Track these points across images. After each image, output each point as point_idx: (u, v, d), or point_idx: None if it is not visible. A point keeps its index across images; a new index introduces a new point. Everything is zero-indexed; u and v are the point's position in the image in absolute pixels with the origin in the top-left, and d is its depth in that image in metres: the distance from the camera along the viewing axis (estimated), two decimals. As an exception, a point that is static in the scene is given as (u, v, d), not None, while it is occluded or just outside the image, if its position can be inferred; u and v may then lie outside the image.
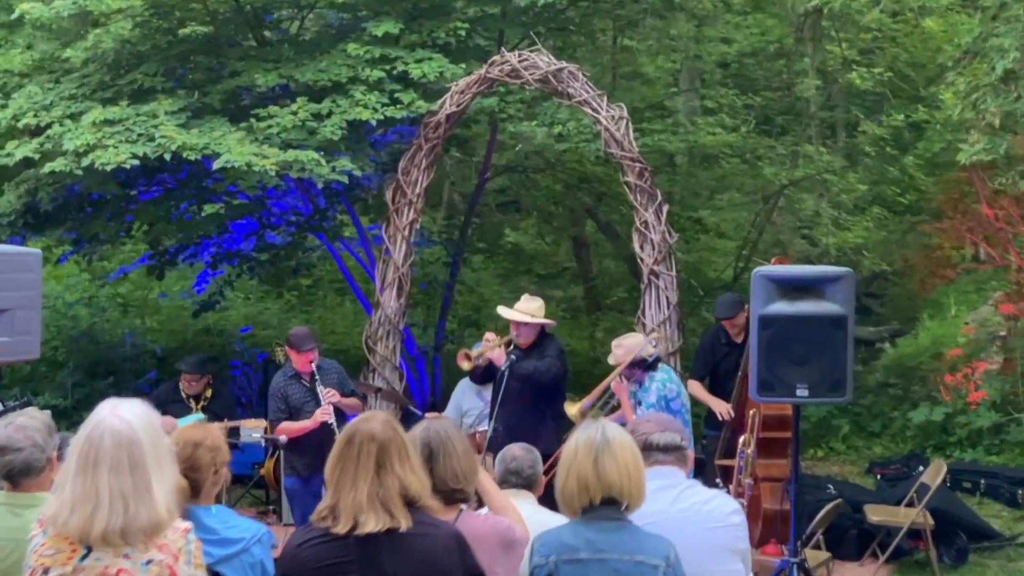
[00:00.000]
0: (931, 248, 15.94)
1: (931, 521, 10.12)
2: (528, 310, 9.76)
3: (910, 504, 10.29)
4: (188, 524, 4.02)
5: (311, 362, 9.85)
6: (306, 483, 9.65)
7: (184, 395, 11.29)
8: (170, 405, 11.18)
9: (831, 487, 11.35)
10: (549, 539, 4.37)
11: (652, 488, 4.81)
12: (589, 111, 11.45)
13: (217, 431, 5.14)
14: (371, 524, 4.04)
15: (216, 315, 16.46)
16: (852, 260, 18.09)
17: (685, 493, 4.87)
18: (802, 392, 7.68)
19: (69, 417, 13.04)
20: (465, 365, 10.01)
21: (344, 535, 4.07)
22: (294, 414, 9.80)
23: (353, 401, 10.21)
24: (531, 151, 14.78)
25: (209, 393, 11.36)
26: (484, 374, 10.07)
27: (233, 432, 11.05)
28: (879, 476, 12.81)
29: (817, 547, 9.80)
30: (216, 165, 10.76)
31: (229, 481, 5.31)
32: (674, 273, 11.37)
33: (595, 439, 4.38)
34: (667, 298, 11.29)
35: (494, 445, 8.75)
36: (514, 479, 5.69)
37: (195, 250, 14.54)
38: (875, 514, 10.37)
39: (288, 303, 17.80)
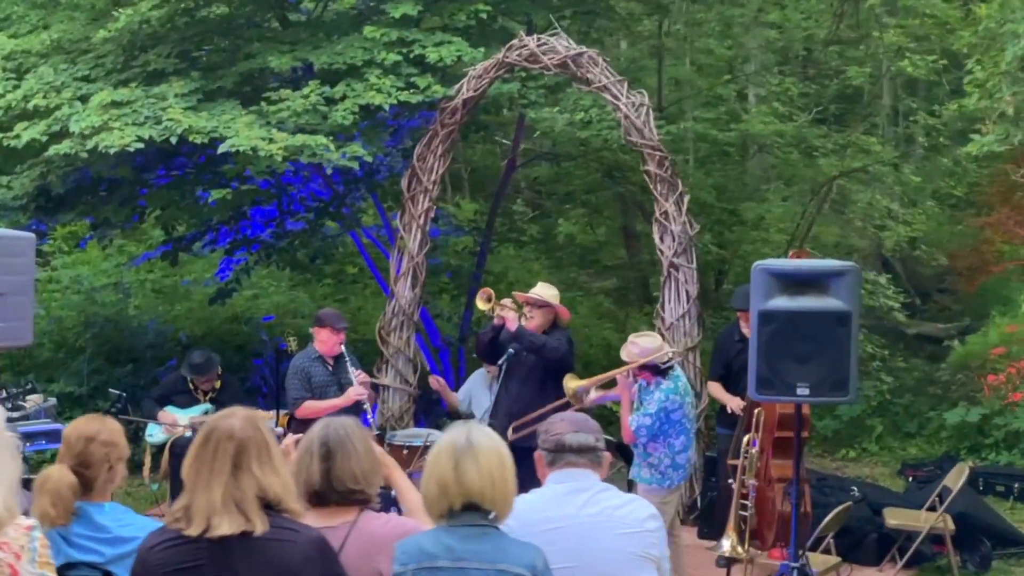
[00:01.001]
0: (980, 242, 15.44)
1: (951, 525, 9.71)
2: (542, 294, 9.55)
3: (932, 508, 9.88)
4: (32, 522, 3.79)
5: (342, 343, 9.64)
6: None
7: (192, 386, 11.11)
8: (177, 395, 11.08)
9: (855, 489, 10.95)
10: (409, 546, 4.07)
11: (562, 491, 4.57)
12: (609, 97, 11.13)
13: (114, 425, 4.87)
14: (224, 527, 3.76)
15: (246, 303, 16.30)
16: (917, 255, 17.67)
17: (597, 497, 4.54)
18: (803, 391, 7.45)
19: (84, 405, 12.90)
20: (482, 305, 9.70)
21: (196, 538, 3.79)
22: (314, 397, 9.59)
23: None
24: (564, 139, 14.42)
25: (217, 384, 11.16)
26: (490, 348, 9.77)
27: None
28: (910, 478, 12.38)
29: (827, 551, 9.43)
30: (221, 149, 10.54)
31: (125, 479, 5.05)
32: (694, 266, 11.05)
33: (458, 442, 4.07)
34: (687, 292, 10.97)
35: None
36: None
37: (213, 236, 14.36)
38: (893, 518, 9.98)
39: (324, 293, 17.61)
